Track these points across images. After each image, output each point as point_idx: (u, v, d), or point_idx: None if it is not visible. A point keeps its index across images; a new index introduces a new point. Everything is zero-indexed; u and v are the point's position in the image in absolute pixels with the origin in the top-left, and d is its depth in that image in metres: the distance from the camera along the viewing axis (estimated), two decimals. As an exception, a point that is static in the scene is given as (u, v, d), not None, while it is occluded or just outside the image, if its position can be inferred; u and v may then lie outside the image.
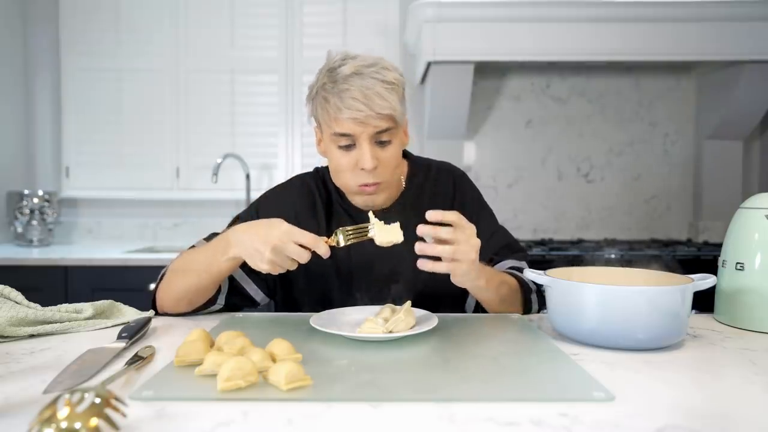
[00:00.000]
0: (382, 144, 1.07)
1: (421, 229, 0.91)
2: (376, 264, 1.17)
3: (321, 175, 1.24)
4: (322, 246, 0.94)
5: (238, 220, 1.20)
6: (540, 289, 1.15)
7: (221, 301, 1.13)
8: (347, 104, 1.00)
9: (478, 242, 0.95)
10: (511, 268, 1.19)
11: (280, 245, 0.93)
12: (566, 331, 0.93)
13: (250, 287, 1.16)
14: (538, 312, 1.17)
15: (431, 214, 0.91)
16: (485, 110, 2.90)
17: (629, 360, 0.83)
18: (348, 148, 1.06)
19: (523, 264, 1.20)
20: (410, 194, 1.21)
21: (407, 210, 1.18)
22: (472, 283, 0.98)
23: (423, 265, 0.91)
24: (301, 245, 0.93)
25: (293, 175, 1.33)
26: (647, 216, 2.92)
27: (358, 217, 1.16)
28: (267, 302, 1.23)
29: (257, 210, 1.22)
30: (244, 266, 1.09)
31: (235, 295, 1.16)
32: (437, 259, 0.92)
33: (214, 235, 1.16)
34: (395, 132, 1.07)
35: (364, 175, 1.07)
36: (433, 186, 1.24)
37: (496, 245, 1.22)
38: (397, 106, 1.04)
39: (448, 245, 0.91)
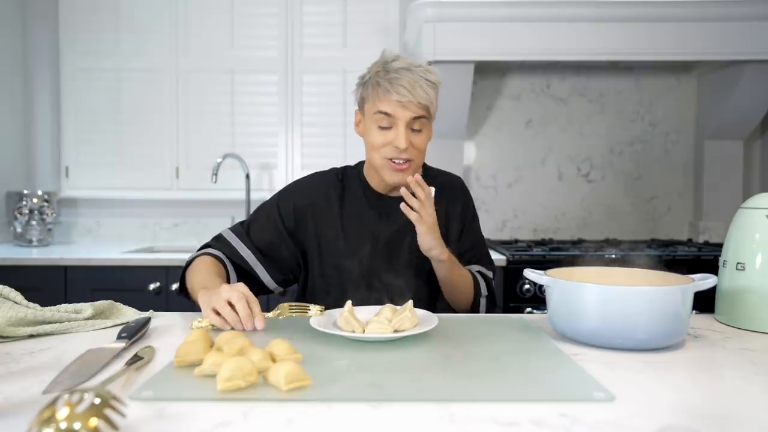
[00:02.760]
0: (414, 131, 1.23)
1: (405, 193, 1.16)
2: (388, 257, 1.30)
3: (341, 170, 1.40)
4: (254, 312, 0.98)
5: (261, 211, 1.34)
6: (492, 297, 1.33)
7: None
8: (396, 89, 1.18)
9: (434, 217, 1.16)
10: (477, 272, 1.34)
11: (232, 288, 0.99)
12: (566, 331, 0.93)
13: (263, 275, 1.29)
14: None
15: (416, 178, 1.14)
16: (485, 110, 2.90)
17: (629, 360, 0.83)
18: (386, 129, 1.22)
19: (489, 273, 1.37)
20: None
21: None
22: (436, 249, 1.17)
23: (404, 207, 1.14)
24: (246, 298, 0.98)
25: (293, 175, 1.41)
26: (647, 216, 2.92)
27: (374, 200, 1.32)
28: (281, 291, 1.34)
29: (278, 198, 1.35)
30: (259, 254, 1.27)
31: (246, 279, 1.27)
32: None
33: (217, 238, 1.31)
34: (427, 123, 1.25)
35: (397, 152, 1.22)
36: (450, 190, 1.39)
37: (473, 253, 1.37)
38: (434, 101, 1.23)
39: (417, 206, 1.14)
